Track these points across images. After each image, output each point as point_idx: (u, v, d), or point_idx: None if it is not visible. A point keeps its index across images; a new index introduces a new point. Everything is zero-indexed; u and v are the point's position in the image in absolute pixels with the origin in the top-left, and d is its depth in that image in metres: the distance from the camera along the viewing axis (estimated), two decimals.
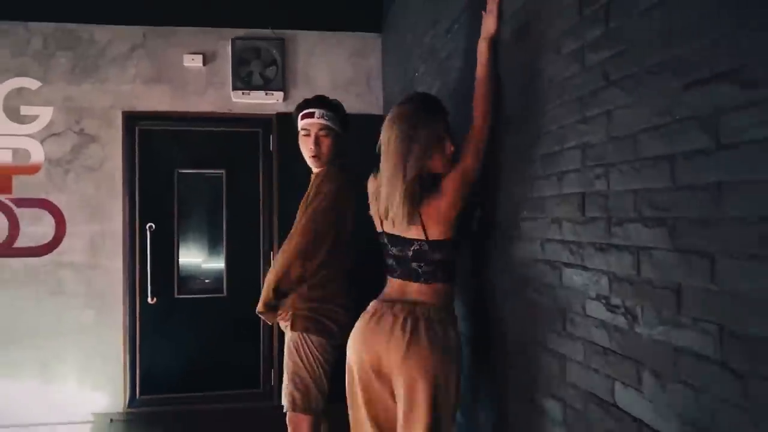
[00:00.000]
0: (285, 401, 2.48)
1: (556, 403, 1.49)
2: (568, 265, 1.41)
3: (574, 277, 1.38)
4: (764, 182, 0.83)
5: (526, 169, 1.66)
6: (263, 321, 4.18)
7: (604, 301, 1.25)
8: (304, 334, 2.40)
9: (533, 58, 1.63)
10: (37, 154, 4.03)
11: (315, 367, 2.39)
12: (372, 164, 2.12)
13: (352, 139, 4.23)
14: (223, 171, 4.26)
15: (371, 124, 4.25)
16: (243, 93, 4.15)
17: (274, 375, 4.22)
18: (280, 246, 4.15)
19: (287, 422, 2.48)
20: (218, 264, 4.29)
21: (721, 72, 0.92)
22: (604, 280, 1.25)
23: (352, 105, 4.28)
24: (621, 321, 1.19)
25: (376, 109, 4.33)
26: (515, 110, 1.77)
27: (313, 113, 2.49)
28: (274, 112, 4.23)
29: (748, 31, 0.87)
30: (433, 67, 2.87)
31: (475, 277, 2.13)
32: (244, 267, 4.28)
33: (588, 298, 1.32)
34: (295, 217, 2.59)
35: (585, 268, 1.33)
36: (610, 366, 1.23)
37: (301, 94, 4.23)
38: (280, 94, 4.19)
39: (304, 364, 2.40)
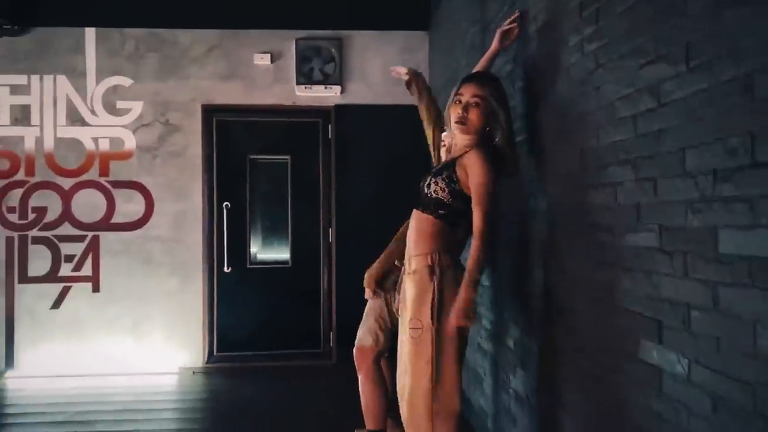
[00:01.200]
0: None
1: None
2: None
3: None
4: (681, 128, 1.28)
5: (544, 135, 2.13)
6: (324, 289, 4.75)
7: None
8: None
9: (550, 50, 2.08)
10: (130, 142, 4.67)
11: None
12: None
13: (404, 127, 4.74)
14: (288, 157, 4.82)
15: (419, 113, 4.77)
16: (305, 87, 4.69)
17: (333, 337, 4.76)
18: (337, 224, 4.70)
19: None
20: (284, 238, 4.85)
21: (662, 55, 1.37)
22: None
23: (402, 97, 4.79)
24: None
25: None
26: (544, 89, 2.23)
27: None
28: (333, 105, 4.76)
29: (673, 29, 1.32)
30: (474, 61, 3.31)
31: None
32: (306, 241, 4.83)
33: None
34: None
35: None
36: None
37: (356, 87, 4.78)
38: (337, 88, 4.71)
39: None
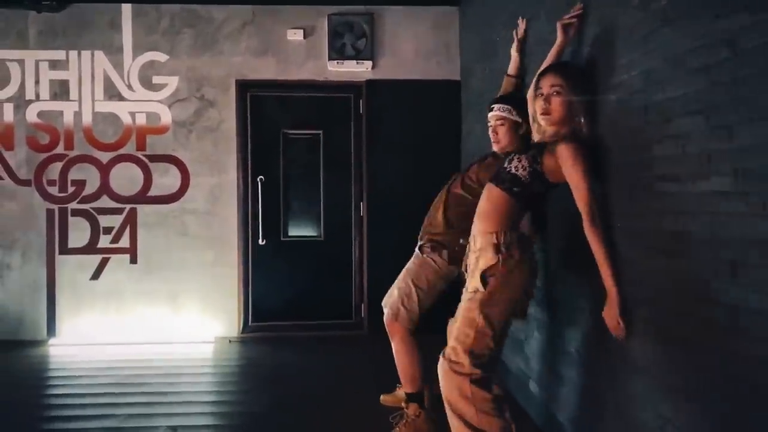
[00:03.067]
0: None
1: None
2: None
3: None
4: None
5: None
6: (356, 262, 4.84)
7: None
8: None
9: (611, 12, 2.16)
10: (166, 116, 4.76)
11: None
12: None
13: (434, 102, 4.81)
14: (320, 131, 4.91)
15: (450, 88, 4.85)
16: (337, 63, 4.76)
17: (365, 308, 4.87)
18: (369, 198, 4.79)
19: None
20: (317, 211, 4.94)
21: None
22: None
23: (433, 72, 4.87)
24: None
25: (454, 75, 4.87)
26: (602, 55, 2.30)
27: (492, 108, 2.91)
28: (364, 80, 4.83)
29: None
30: (511, 38, 3.36)
31: None
32: (338, 214, 4.93)
33: None
34: None
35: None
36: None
37: (388, 62, 4.85)
38: (369, 63, 4.78)
39: None
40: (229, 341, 4.71)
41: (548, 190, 2.28)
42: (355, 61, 4.77)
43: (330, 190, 4.94)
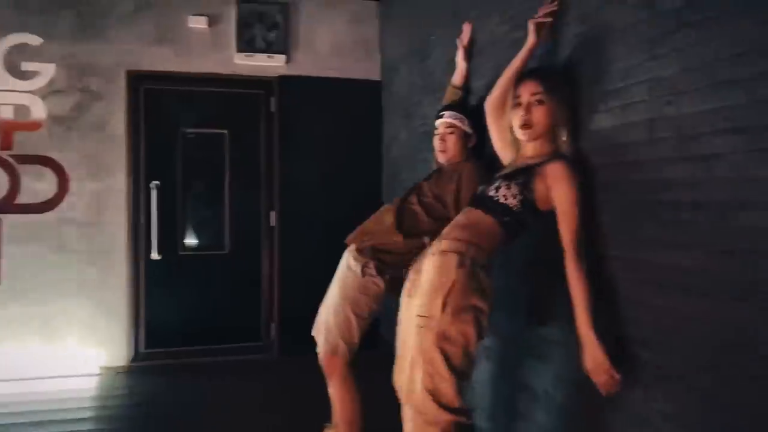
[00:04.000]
0: None
1: None
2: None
3: None
4: None
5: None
6: (265, 277, 4.37)
7: None
8: None
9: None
10: (39, 110, 4.02)
11: None
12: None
13: (354, 103, 4.45)
14: (226, 131, 4.38)
15: (370, 89, 4.50)
16: (246, 55, 4.26)
17: (276, 329, 4.41)
18: (281, 206, 4.33)
19: None
20: (221, 221, 4.40)
21: None
22: None
23: (351, 70, 4.50)
24: None
25: (374, 74, 4.53)
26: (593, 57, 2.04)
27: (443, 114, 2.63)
28: (276, 75, 4.37)
29: None
30: (448, 34, 3.07)
31: None
32: (246, 224, 4.43)
33: None
34: None
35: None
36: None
37: (303, 58, 4.42)
38: (282, 58, 4.32)
39: None
40: (117, 373, 4.07)
41: (536, 221, 1.98)
42: (266, 55, 4.30)
43: (236, 197, 4.42)
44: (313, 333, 2.69)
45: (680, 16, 1.53)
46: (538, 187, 1.87)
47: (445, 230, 2.00)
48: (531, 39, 2.09)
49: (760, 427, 1.32)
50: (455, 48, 2.88)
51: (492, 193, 1.94)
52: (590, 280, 1.78)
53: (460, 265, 1.87)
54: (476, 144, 2.60)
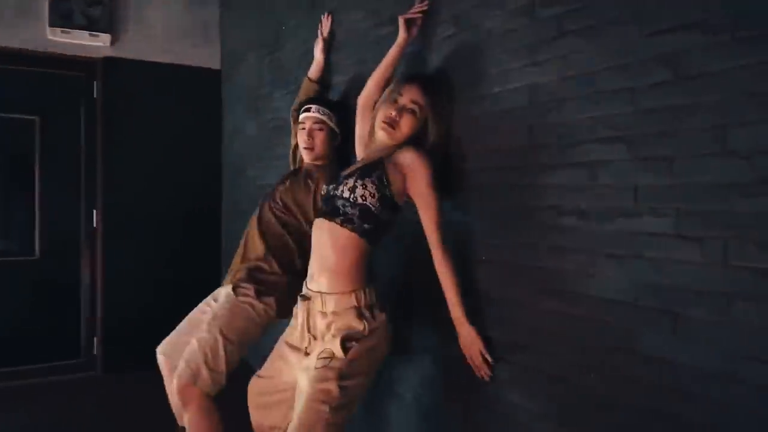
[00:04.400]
0: None
1: None
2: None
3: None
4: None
5: None
6: (85, 286, 3.86)
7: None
8: None
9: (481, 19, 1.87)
10: None
11: None
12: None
13: (191, 92, 4.09)
14: (36, 117, 3.78)
15: (209, 77, 4.16)
16: (62, 32, 3.72)
17: (98, 342, 3.92)
18: (105, 205, 3.85)
19: None
20: (29, 221, 3.80)
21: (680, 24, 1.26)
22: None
23: (188, 56, 4.15)
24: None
25: (214, 63, 4.21)
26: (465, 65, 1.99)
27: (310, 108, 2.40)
28: (101, 56, 3.87)
29: None
30: (305, 24, 2.93)
31: None
32: (61, 226, 3.89)
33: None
34: None
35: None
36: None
37: (132, 39, 3.98)
38: (107, 37, 3.84)
39: None
40: None
41: (394, 217, 1.90)
42: (87, 33, 3.79)
43: (50, 194, 3.84)
44: (159, 350, 2.38)
45: (561, 24, 1.55)
46: (393, 178, 1.79)
47: (317, 274, 1.83)
48: (401, 35, 2.02)
49: (640, 424, 1.37)
50: (312, 40, 2.73)
51: (346, 194, 1.79)
52: (457, 269, 1.76)
53: (361, 317, 1.77)
54: (341, 144, 2.48)
